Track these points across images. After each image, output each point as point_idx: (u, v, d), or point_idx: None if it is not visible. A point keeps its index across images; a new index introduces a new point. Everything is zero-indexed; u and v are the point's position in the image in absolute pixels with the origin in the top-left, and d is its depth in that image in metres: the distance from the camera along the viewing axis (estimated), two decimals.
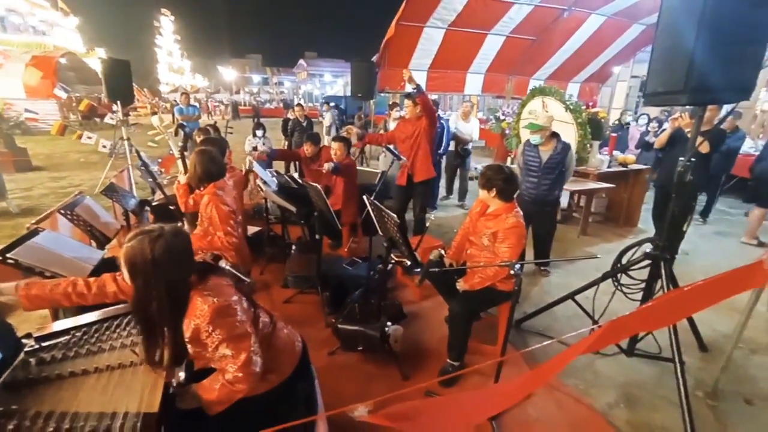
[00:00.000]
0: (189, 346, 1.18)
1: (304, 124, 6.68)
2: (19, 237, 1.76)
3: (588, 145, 4.52)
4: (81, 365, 1.18)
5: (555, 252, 4.14)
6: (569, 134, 4.48)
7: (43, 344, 1.25)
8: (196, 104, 8.09)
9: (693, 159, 1.78)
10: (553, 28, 6.67)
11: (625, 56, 7.97)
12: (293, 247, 3.47)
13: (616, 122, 6.97)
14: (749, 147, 6.29)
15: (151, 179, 3.52)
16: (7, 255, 1.56)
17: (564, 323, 2.77)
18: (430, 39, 6.35)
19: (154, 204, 3.79)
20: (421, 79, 7.02)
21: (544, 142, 3.24)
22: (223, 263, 1.82)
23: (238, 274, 1.45)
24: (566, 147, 3.24)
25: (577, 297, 2.49)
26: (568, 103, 4.42)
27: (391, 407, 1.05)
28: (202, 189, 2.20)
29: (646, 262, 2.07)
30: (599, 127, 4.68)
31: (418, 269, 2.00)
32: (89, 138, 5.11)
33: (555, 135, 3.28)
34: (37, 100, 11.11)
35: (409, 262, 2.01)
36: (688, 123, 3.14)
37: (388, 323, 2.21)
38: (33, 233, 1.82)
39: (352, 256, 3.38)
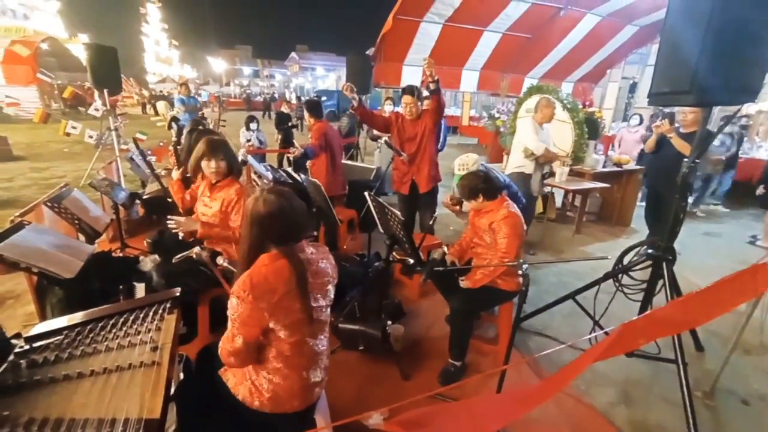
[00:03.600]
0: None
1: (295, 119, 6.64)
2: (4, 231, 1.67)
3: (584, 145, 4.55)
4: (76, 368, 1.11)
5: (550, 251, 4.18)
6: (566, 133, 4.51)
7: (34, 345, 1.18)
8: (196, 96, 7.92)
9: (698, 160, 1.78)
10: (549, 26, 6.68)
11: (619, 57, 8.05)
12: None
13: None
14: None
15: (148, 169, 3.40)
16: None
17: (561, 322, 2.78)
18: (427, 34, 6.30)
19: (145, 197, 3.68)
20: (416, 74, 6.96)
21: None
22: (220, 260, 1.77)
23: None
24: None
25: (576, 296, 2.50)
26: (565, 101, 4.43)
27: (404, 414, 1.02)
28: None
29: (647, 262, 2.08)
30: (595, 126, 4.71)
31: (420, 268, 1.97)
32: (74, 128, 4.91)
33: None
34: (17, 86, 10.69)
35: (411, 261, 1.97)
36: (668, 129, 3.27)
37: (389, 322, 2.18)
38: (18, 227, 1.72)
39: (349, 252, 3.33)
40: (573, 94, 8.42)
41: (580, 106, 4.61)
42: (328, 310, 1.35)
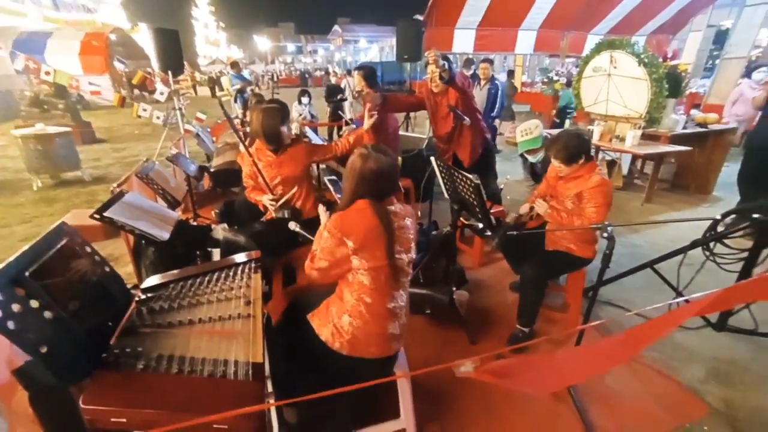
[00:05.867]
0: None
1: (345, 91, 6.66)
2: (110, 198, 1.85)
3: (661, 105, 4.08)
4: (186, 316, 1.23)
5: (616, 221, 3.89)
6: (641, 92, 4.06)
7: (149, 295, 1.33)
8: (246, 73, 8.20)
9: None
10: None
11: (706, 1, 6.98)
12: None
13: None
14: None
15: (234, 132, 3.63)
16: (104, 214, 1.65)
17: (634, 294, 2.61)
18: None
19: (212, 170, 3.92)
20: (468, 38, 6.60)
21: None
22: (292, 225, 1.86)
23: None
24: None
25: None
26: (642, 56, 3.95)
27: (491, 364, 1.03)
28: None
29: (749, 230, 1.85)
30: (678, 82, 4.18)
31: (491, 234, 1.92)
32: (144, 110, 5.31)
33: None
34: (93, 75, 11.69)
35: (480, 225, 1.93)
36: None
37: (453, 288, 2.18)
38: (120, 195, 1.91)
39: None
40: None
41: (660, 60, 4.09)
42: (410, 267, 1.37)
